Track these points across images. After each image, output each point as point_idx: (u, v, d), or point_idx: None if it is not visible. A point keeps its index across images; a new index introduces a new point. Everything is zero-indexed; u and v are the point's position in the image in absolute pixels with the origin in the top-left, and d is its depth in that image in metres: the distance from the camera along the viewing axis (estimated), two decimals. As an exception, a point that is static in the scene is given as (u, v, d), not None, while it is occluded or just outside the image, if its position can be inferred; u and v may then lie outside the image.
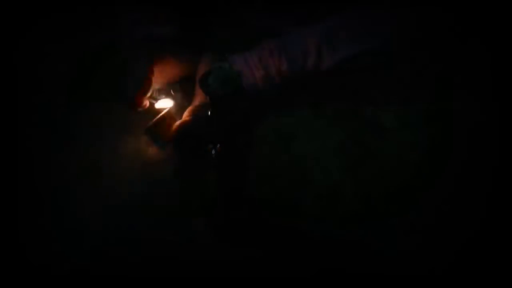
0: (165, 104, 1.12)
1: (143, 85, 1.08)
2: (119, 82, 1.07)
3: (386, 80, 1.23)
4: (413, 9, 1.14)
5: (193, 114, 1.10)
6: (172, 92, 1.13)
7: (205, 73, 1.02)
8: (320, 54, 1.16)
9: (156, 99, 1.11)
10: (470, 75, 1.22)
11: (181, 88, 1.16)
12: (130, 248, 1.09)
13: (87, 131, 1.19)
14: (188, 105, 1.13)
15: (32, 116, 1.21)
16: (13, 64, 1.26)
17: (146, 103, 1.11)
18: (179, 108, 1.14)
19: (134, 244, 1.09)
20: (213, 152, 1.04)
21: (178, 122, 1.10)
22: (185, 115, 1.11)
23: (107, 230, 1.10)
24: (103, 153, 1.16)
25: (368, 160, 1.15)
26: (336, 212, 1.11)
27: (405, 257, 1.07)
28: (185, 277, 1.07)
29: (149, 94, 1.11)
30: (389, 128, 1.18)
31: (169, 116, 1.11)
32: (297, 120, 1.20)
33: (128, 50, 1.13)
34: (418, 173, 1.13)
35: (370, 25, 1.16)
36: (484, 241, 1.07)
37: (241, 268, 1.07)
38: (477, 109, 1.18)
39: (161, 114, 1.10)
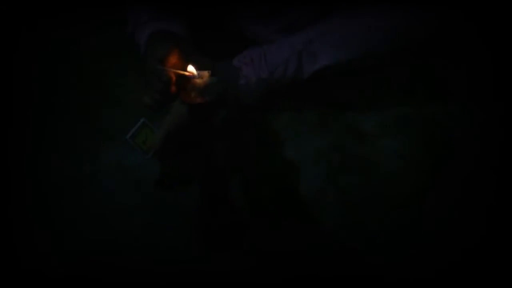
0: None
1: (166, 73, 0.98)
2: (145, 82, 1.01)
3: (367, 86, 1.24)
4: (393, 17, 1.16)
5: (174, 122, 1.11)
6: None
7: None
8: (301, 62, 1.17)
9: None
10: (452, 81, 1.23)
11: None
12: (119, 253, 1.09)
13: (72, 138, 1.20)
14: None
15: (25, 122, 1.22)
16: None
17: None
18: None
19: (124, 248, 1.10)
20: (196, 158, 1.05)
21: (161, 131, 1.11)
22: (168, 122, 1.11)
23: (98, 235, 1.11)
24: (88, 162, 1.16)
25: (349, 167, 1.15)
26: (318, 220, 1.11)
27: (391, 262, 1.08)
28: (174, 282, 1.08)
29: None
30: (371, 134, 1.19)
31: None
32: (279, 126, 1.21)
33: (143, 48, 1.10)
34: (399, 180, 1.14)
35: (350, 34, 1.17)
36: (470, 247, 1.08)
37: (226, 273, 1.08)
38: (458, 114, 1.19)
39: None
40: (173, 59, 0.98)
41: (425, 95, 1.22)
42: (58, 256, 1.08)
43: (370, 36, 1.16)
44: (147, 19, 1.10)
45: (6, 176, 1.15)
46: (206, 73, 0.95)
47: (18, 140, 1.20)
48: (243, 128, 1.20)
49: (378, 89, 1.23)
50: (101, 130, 1.20)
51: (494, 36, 1.21)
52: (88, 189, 1.15)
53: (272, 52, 1.18)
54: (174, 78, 0.96)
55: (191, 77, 0.96)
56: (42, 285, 1.06)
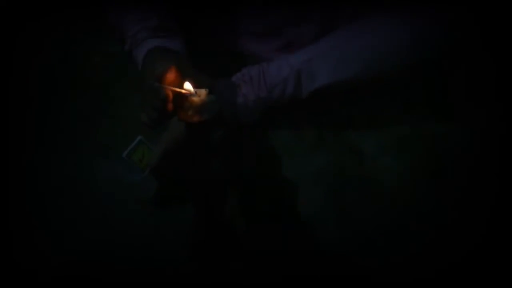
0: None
1: (163, 91, 0.98)
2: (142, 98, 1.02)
3: (367, 105, 1.23)
4: (394, 36, 1.15)
5: (171, 140, 1.10)
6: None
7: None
8: (300, 81, 1.17)
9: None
10: (452, 101, 1.22)
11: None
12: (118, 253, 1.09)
13: (67, 151, 1.19)
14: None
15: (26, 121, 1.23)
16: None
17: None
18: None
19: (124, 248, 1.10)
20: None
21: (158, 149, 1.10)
22: (164, 140, 1.11)
23: (98, 235, 1.10)
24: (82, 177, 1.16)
25: (348, 186, 1.14)
26: (317, 241, 1.10)
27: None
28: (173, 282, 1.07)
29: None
30: (370, 154, 1.18)
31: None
32: (277, 145, 1.20)
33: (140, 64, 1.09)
34: (399, 201, 1.12)
35: (350, 53, 1.16)
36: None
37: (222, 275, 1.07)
38: (458, 135, 1.18)
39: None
40: (170, 76, 0.97)
41: (425, 114, 1.20)
42: (57, 256, 1.07)
43: (370, 56, 1.15)
44: (146, 36, 1.09)
45: (6, 176, 1.15)
46: (203, 91, 0.95)
47: (17, 141, 1.20)
48: (241, 147, 1.19)
49: (378, 108, 1.22)
50: (98, 146, 1.19)
51: (494, 55, 1.20)
52: (88, 189, 1.15)
53: (271, 70, 1.18)
54: (171, 95, 0.96)
55: (188, 95, 0.95)
56: (41, 285, 1.05)
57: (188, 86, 0.96)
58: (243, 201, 1.13)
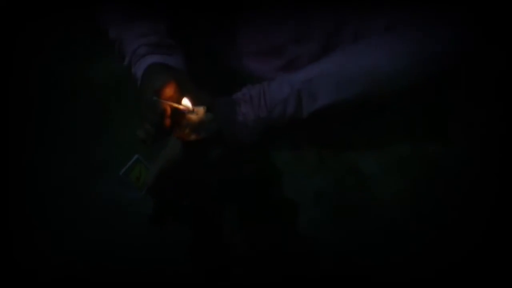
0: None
1: (161, 106, 0.95)
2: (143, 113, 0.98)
3: (368, 126, 1.21)
4: (396, 57, 1.13)
5: (169, 159, 1.09)
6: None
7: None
8: (300, 101, 1.15)
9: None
10: (453, 121, 1.21)
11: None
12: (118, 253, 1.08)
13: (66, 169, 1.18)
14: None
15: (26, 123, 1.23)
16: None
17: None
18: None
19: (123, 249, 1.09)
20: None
21: (156, 168, 1.09)
22: (162, 159, 1.10)
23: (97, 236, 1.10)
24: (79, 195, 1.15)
25: (349, 207, 1.12)
26: (316, 263, 1.08)
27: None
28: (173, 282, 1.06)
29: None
30: (371, 175, 1.16)
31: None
32: (277, 165, 1.19)
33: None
34: (401, 224, 1.10)
35: (351, 73, 1.15)
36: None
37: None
38: (460, 156, 1.16)
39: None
40: (169, 91, 0.95)
41: (426, 135, 1.19)
42: (57, 256, 1.06)
43: (371, 76, 1.13)
44: (145, 52, 1.09)
45: (6, 177, 1.14)
46: (201, 109, 0.93)
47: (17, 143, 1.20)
48: (240, 167, 1.18)
49: (379, 128, 1.20)
50: (95, 164, 1.18)
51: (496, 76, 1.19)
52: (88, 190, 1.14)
53: (271, 90, 1.17)
54: (169, 110, 0.94)
55: (186, 112, 0.93)
56: (42, 285, 1.04)
57: (186, 102, 0.94)
58: (241, 221, 1.11)
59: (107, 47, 1.14)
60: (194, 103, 0.94)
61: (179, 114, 0.94)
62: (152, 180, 1.07)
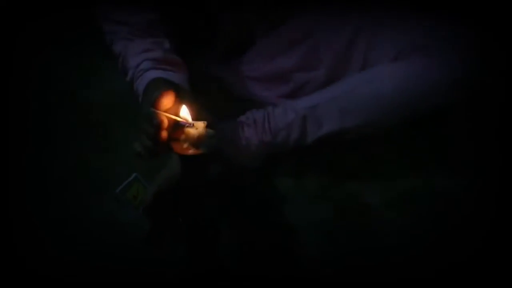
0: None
1: (157, 117, 0.91)
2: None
3: (372, 156, 1.19)
4: (405, 84, 1.11)
5: (167, 179, 1.07)
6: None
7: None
8: (305, 127, 1.14)
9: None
10: (459, 154, 1.18)
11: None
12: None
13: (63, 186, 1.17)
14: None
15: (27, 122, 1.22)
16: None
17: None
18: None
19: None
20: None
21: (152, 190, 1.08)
22: (160, 179, 1.08)
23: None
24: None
25: (349, 239, 1.09)
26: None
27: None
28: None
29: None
30: (374, 207, 1.13)
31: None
32: (279, 192, 1.16)
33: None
34: (403, 258, 1.07)
35: (357, 100, 1.13)
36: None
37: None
38: (467, 190, 1.13)
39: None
40: (167, 102, 0.93)
41: (432, 167, 1.16)
42: (63, 257, 1.04)
43: (377, 105, 1.12)
44: (148, 67, 1.07)
45: (7, 177, 1.13)
46: (201, 124, 0.90)
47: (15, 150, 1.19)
48: (240, 191, 1.16)
49: (384, 159, 1.18)
50: (93, 181, 1.17)
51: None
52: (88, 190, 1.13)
53: (276, 115, 1.15)
54: (166, 123, 0.91)
55: (184, 125, 0.91)
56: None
57: (185, 114, 0.92)
58: (239, 246, 1.09)
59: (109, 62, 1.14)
60: (194, 117, 0.92)
61: (178, 127, 0.92)
62: (150, 199, 1.06)
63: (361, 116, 1.12)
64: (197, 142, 0.90)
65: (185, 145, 0.90)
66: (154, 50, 1.09)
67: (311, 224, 1.11)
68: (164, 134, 0.91)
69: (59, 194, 1.15)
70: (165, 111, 0.91)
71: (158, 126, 0.90)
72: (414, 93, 1.10)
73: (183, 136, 0.91)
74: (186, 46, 1.19)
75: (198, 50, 1.28)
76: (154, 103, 0.92)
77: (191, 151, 0.90)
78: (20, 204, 1.13)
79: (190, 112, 0.92)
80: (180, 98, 0.94)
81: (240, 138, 1.14)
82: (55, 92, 1.30)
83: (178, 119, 0.91)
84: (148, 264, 1.05)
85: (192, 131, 0.89)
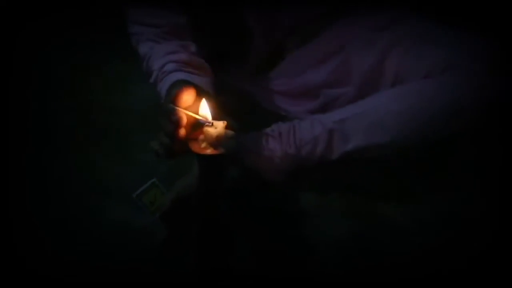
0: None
1: (176, 113, 0.88)
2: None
3: (402, 175, 1.14)
4: (442, 98, 1.07)
5: (187, 187, 1.04)
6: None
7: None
8: (331, 141, 1.10)
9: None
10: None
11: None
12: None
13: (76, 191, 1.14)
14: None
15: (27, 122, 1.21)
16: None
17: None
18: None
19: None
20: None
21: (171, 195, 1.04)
22: (179, 186, 1.05)
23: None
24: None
25: (369, 261, 1.03)
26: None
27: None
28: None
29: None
30: (402, 229, 1.07)
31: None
32: (301, 208, 1.11)
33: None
34: (427, 280, 1.00)
35: (388, 115, 1.09)
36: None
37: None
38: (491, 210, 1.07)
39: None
40: (187, 99, 0.90)
41: (461, 189, 1.11)
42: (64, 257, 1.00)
43: (407, 122, 1.07)
44: (173, 69, 1.04)
45: (7, 178, 1.12)
46: (221, 124, 0.86)
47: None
48: (261, 205, 1.11)
49: (415, 178, 1.13)
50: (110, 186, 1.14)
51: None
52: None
53: (302, 128, 1.12)
54: (184, 119, 0.88)
55: (203, 123, 0.88)
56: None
57: (205, 112, 0.88)
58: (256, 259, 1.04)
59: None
60: (214, 117, 0.88)
61: (197, 127, 0.88)
62: (168, 205, 1.02)
63: (389, 132, 1.08)
64: (215, 142, 0.86)
65: (203, 145, 0.87)
66: (180, 52, 1.07)
67: (331, 243, 1.05)
68: (182, 131, 0.87)
69: (72, 196, 1.13)
70: (185, 108, 0.88)
71: (177, 122, 0.87)
72: (443, 112, 1.06)
73: (201, 136, 0.87)
74: (215, 58, 1.17)
75: (227, 62, 1.26)
76: (174, 98, 0.88)
77: (209, 151, 0.86)
78: (20, 205, 1.10)
79: (210, 111, 0.88)
80: (201, 97, 0.91)
81: (263, 149, 1.10)
82: (56, 92, 1.31)
83: (198, 117, 0.88)
84: (157, 265, 1.01)
85: (211, 130, 0.86)
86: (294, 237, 1.07)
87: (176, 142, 0.89)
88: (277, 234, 1.07)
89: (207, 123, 0.87)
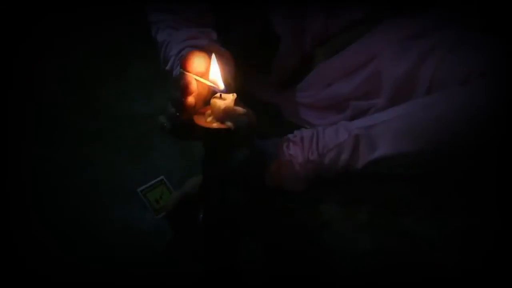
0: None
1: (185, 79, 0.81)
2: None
3: (432, 188, 1.04)
4: (478, 106, 0.99)
5: (195, 185, 0.96)
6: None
7: None
8: (357, 148, 1.02)
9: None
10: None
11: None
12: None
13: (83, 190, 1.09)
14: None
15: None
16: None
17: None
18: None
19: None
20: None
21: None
22: (188, 185, 0.97)
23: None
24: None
25: (394, 278, 0.93)
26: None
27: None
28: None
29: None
30: (431, 245, 0.97)
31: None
32: (324, 219, 1.03)
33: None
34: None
35: (419, 123, 1.01)
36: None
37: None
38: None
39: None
40: (199, 64, 0.82)
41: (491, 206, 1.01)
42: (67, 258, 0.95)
43: (441, 128, 1.00)
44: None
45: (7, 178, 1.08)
46: (230, 96, 0.79)
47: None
48: (280, 216, 1.03)
49: (446, 193, 1.03)
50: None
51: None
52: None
53: (326, 134, 1.04)
54: (194, 85, 0.80)
55: (213, 90, 0.80)
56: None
57: (215, 78, 0.80)
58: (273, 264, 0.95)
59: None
60: (226, 84, 0.80)
61: (206, 96, 0.81)
62: (175, 204, 0.94)
63: (418, 141, 1.00)
64: (222, 115, 0.78)
65: (209, 118, 0.79)
66: (199, 38, 1.03)
67: (354, 257, 0.96)
68: (191, 99, 0.80)
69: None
70: (196, 74, 0.81)
71: (185, 88, 0.79)
72: (475, 121, 0.99)
73: (208, 109, 0.80)
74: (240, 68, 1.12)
75: (252, 73, 1.21)
76: (183, 61, 0.81)
77: (215, 125, 0.79)
78: (21, 205, 1.05)
79: (221, 76, 0.81)
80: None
81: (283, 154, 1.03)
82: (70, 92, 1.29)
83: (208, 82, 0.80)
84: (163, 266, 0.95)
85: (218, 102, 0.78)
86: (315, 246, 0.99)
87: (184, 112, 0.81)
88: (291, 238, 0.99)
89: (216, 90, 0.80)
